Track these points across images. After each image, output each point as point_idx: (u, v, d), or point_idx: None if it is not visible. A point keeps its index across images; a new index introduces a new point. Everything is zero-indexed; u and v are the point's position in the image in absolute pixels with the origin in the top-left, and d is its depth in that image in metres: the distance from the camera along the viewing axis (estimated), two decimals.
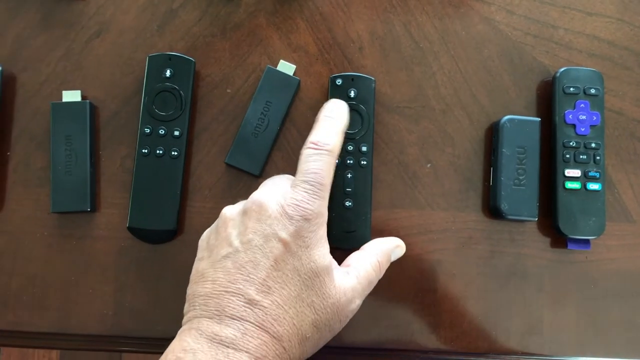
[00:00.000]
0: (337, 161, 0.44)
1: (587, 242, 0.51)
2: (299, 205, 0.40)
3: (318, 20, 0.54)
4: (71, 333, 0.50)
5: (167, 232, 0.50)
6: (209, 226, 0.51)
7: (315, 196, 0.41)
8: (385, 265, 0.46)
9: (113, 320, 0.50)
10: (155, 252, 0.51)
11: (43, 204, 0.51)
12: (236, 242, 0.40)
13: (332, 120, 0.45)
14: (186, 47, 0.53)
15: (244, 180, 0.52)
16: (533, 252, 0.52)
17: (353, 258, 0.45)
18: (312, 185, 0.41)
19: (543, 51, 0.54)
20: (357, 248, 0.49)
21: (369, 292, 0.44)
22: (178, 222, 0.51)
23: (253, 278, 0.39)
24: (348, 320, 0.43)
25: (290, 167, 0.52)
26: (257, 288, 0.38)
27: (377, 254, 0.45)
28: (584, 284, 0.51)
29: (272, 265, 0.39)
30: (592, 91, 0.51)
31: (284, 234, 0.39)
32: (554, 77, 0.52)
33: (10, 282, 0.51)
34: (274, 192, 0.42)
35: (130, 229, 0.50)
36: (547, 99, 0.53)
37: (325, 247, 0.42)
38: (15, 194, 0.51)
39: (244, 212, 0.42)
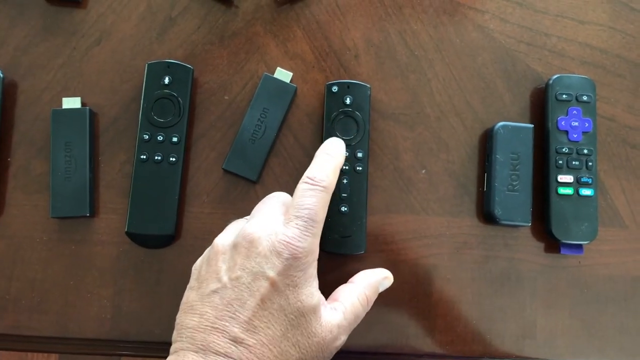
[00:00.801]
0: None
1: (580, 247, 0.51)
2: (290, 243, 0.40)
3: (314, 29, 0.55)
4: (70, 337, 0.51)
5: (165, 237, 0.51)
6: (206, 231, 0.52)
7: (307, 233, 0.41)
8: (373, 298, 0.46)
9: (111, 324, 0.51)
10: (153, 257, 0.52)
11: (43, 209, 0.52)
12: (225, 278, 0.40)
13: (330, 157, 0.45)
14: (185, 54, 0.54)
15: (241, 186, 0.53)
16: (527, 257, 0.52)
17: (341, 292, 0.45)
18: (304, 221, 0.41)
19: (536, 59, 0.55)
20: (352, 253, 0.50)
21: (355, 326, 0.44)
22: (176, 228, 0.51)
23: (239, 316, 0.39)
24: (332, 356, 0.43)
25: (287, 173, 0.53)
26: (242, 327, 0.39)
27: (365, 287, 0.45)
28: (577, 289, 0.52)
29: (258, 304, 0.39)
30: (585, 98, 0.52)
31: (271, 273, 0.39)
32: (547, 84, 0.53)
33: (10, 286, 0.51)
34: (266, 225, 0.42)
35: (128, 234, 0.51)
36: (540, 105, 0.54)
37: (314, 284, 0.42)
38: (15, 199, 0.52)
39: (234, 247, 0.42)
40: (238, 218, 0.50)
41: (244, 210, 0.52)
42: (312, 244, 0.41)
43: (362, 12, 0.55)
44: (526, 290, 0.52)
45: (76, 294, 0.51)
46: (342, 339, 0.43)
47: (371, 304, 0.46)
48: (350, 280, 0.47)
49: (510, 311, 0.52)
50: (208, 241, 0.46)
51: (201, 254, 0.45)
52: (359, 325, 0.50)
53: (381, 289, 0.47)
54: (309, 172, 0.43)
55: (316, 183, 0.42)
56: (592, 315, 0.52)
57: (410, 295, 0.52)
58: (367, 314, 0.50)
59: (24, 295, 0.51)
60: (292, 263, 0.40)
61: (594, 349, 0.51)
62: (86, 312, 0.51)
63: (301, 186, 0.43)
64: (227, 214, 0.52)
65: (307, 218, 0.41)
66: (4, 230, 0.52)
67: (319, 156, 0.46)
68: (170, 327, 0.50)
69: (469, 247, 0.52)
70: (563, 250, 0.51)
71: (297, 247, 0.40)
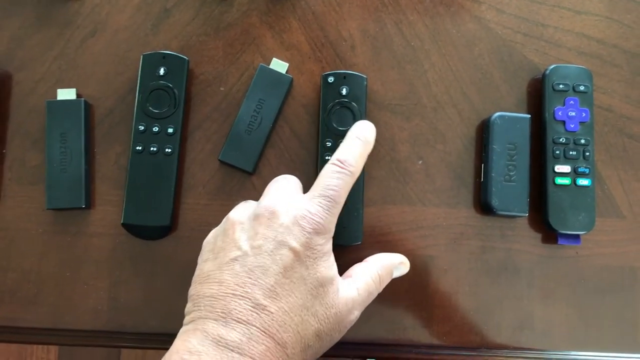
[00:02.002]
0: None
1: (577, 237, 0.51)
2: (312, 218, 0.41)
3: (310, 19, 0.54)
4: (66, 329, 0.51)
5: (161, 228, 0.51)
6: (203, 222, 0.52)
7: (328, 212, 0.41)
8: (387, 280, 0.46)
9: (107, 315, 0.51)
10: (150, 248, 0.51)
11: (38, 200, 0.52)
12: (245, 246, 0.40)
13: (361, 142, 0.45)
14: (180, 45, 0.54)
15: (237, 177, 0.52)
16: (524, 248, 0.52)
17: (355, 269, 0.46)
18: (328, 201, 0.42)
19: (533, 49, 0.55)
20: (348, 244, 0.50)
21: (368, 303, 0.45)
22: (172, 219, 0.51)
23: (261, 283, 0.39)
24: (346, 330, 0.43)
25: (283, 164, 0.52)
26: (264, 293, 0.38)
27: (379, 267, 0.46)
28: (575, 279, 0.52)
29: (280, 272, 0.39)
30: (582, 88, 0.52)
31: (294, 243, 0.40)
32: (544, 75, 0.52)
33: (5, 278, 0.51)
34: (285, 200, 0.42)
35: (124, 225, 0.51)
36: (537, 96, 0.53)
37: (331, 259, 0.42)
38: (10, 191, 0.52)
39: (255, 217, 0.42)
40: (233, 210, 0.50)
41: (240, 201, 0.51)
42: (331, 223, 0.42)
43: (358, 3, 0.55)
44: (523, 280, 0.52)
45: (72, 285, 0.51)
46: (356, 313, 0.43)
47: (384, 284, 0.46)
48: (366, 259, 0.47)
49: (507, 302, 0.51)
50: (204, 232, 0.46)
51: (198, 245, 0.45)
52: None
53: (397, 274, 0.47)
54: (340, 154, 0.44)
55: (345, 167, 0.43)
56: (589, 306, 0.52)
57: (407, 286, 0.51)
58: None
59: (19, 287, 0.51)
60: (313, 237, 0.40)
61: (592, 339, 0.51)
62: (82, 304, 0.51)
63: (329, 167, 0.43)
64: (223, 205, 0.52)
65: (331, 198, 0.42)
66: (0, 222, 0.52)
67: (351, 139, 0.46)
68: (167, 318, 0.50)
69: (466, 237, 0.52)
70: (560, 241, 0.51)
71: (318, 222, 0.41)
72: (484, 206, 0.52)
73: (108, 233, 0.52)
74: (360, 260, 0.51)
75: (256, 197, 0.46)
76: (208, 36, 0.54)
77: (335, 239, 0.50)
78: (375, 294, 0.45)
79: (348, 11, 0.55)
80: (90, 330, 0.51)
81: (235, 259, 0.40)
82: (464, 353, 0.51)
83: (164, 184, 0.51)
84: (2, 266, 0.51)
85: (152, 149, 0.51)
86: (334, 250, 0.51)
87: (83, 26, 0.54)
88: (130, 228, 0.51)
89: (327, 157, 0.50)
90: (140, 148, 0.51)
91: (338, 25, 0.54)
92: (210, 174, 0.52)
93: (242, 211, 0.44)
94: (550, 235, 0.52)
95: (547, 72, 0.52)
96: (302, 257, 0.40)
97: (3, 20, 0.53)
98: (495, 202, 0.50)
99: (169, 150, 0.51)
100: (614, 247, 0.52)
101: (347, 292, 0.43)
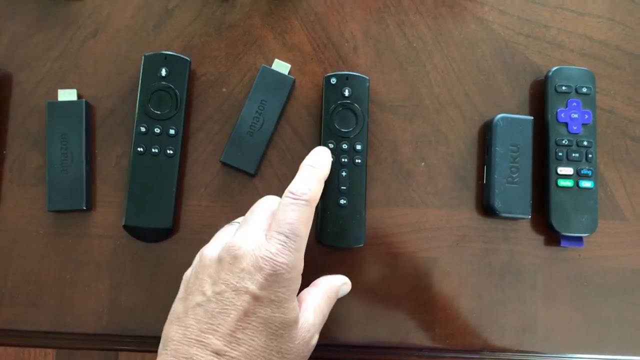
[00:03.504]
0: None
1: (580, 239, 0.51)
2: (273, 259, 0.40)
3: (312, 20, 0.54)
4: (66, 332, 0.50)
5: (163, 230, 0.51)
6: (205, 224, 0.52)
7: (289, 249, 0.40)
8: (333, 301, 0.46)
9: (109, 318, 0.50)
10: (151, 251, 0.51)
11: (39, 202, 0.51)
12: (209, 292, 0.40)
13: (312, 169, 0.45)
14: (181, 46, 0.53)
15: (239, 179, 0.52)
16: (526, 250, 0.52)
17: (307, 295, 0.45)
18: (286, 236, 0.41)
19: (535, 51, 0.55)
20: (351, 247, 0.50)
21: (322, 326, 0.45)
22: (174, 221, 0.51)
23: (222, 330, 0.39)
24: (309, 354, 0.43)
25: (285, 166, 0.52)
26: (225, 339, 0.39)
27: (328, 289, 0.46)
28: (577, 281, 0.52)
29: (241, 317, 0.39)
30: (584, 90, 0.52)
31: (254, 289, 0.39)
32: (546, 76, 0.52)
33: (6, 281, 0.51)
34: (251, 239, 0.41)
35: (126, 227, 0.50)
36: (540, 97, 0.53)
37: (296, 301, 0.42)
38: (11, 192, 0.52)
39: (219, 261, 0.41)
40: (235, 213, 0.50)
41: (242, 203, 0.51)
42: (295, 260, 0.41)
43: (360, 4, 0.54)
44: (526, 283, 0.52)
45: (73, 288, 0.51)
46: (316, 337, 0.44)
47: (331, 306, 0.46)
48: (312, 284, 0.46)
49: (510, 304, 0.51)
50: (206, 234, 0.46)
51: (199, 248, 0.45)
52: (358, 319, 0.50)
53: (340, 294, 0.47)
54: (291, 187, 0.43)
55: (298, 197, 0.42)
56: (592, 308, 0.52)
57: (409, 288, 0.51)
58: (367, 307, 0.51)
59: (20, 290, 0.51)
60: (274, 279, 0.39)
61: (594, 341, 0.51)
62: (83, 307, 0.51)
63: (283, 201, 0.42)
64: (225, 207, 0.52)
65: (289, 233, 0.41)
66: (0, 223, 0.51)
67: (302, 169, 0.45)
68: None
69: (469, 240, 0.52)
70: (563, 243, 0.51)
71: (279, 262, 0.40)
72: (486, 208, 0.52)
73: (109, 235, 0.51)
74: (363, 262, 0.51)
75: (258, 198, 0.45)
76: (210, 37, 0.54)
77: (338, 241, 0.50)
78: (326, 316, 0.45)
79: (350, 12, 0.54)
80: (92, 333, 0.50)
81: (200, 304, 0.40)
82: (467, 356, 0.51)
83: (165, 185, 0.51)
84: (2, 268, 0.51)
85: (153, 150, 0.50)
86: (337, 253, 0.51)
87: (84, 26, 0.53)
88: (132, 230, 0.50)
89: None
90: (141, 149, 0.50)
91: (340, 26, 0.54)
92: (212, 175, 0.52)
93: (214, 248, 0.43)
94: (552, 237, 0.52)
95: (550, 73, 0.52)
96: (263, 300, 0.39)
97: (4, 20, 0.53)
98: (498, 204, 0.50)
99: (171, 151, 0.51)
100: (617, 249, 0.52)
101: (307, 321, 0.42)
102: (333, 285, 0.47)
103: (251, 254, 0.40)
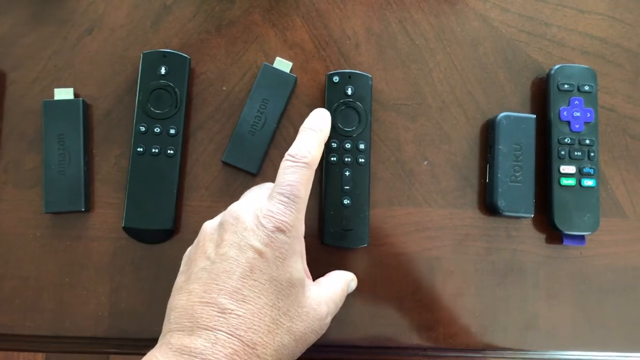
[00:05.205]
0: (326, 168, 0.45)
1: (582, 238, 0.51)
2: (273, 217, 0.40)
3: (314, 17, 0.53)
4: (66, 336, 0.49)
5: (164, 231, 0.50)
6: None
7: (290, 208, 0.41)
8: (345, 293, 0.46)
9: (109, 322, 0.50)
10: (152, 252, 0.50)
11: (36, 204, 0.50)
12: (212, 255, 0.40)
13: (312, 132, 0.45)
14: (180, 44, 0.52)
15: (240, 179, 0.51)
16: (529, 249, 0.52)
17: (322, 280, 0.45)
18: (287, 197, 0.41)
19: (537, 48, 0.54)
20: (355, 247, 0.50)
21: (335, 314, 0.44)
22: (175, 222, 0.50)
23: (227, 287, 0.38)
24: (322, 332, 0.43)
25: None
26: (231, 297, 0.38)
27: (340, 279, 0.46)
28: (579, 279, 0.52)
29: (247, 274, 0.39)
30: (586, 88, 0.52)
31: (258, 244, 0.39)
32: (549, 74, 0.52)
33: (3, 285, 0.49)
34: (252, 203, 0.42)
35: (125, 228, 0.49)
36: (542, 95, 0.53)
37: (300, 262, 0.42)
38: (7, 194, 0.50)
39: (221, 225, 0.42)
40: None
41: None
42: (296, 220, 0.41)
43: (362, 0, 0.54)
44: (529, 281, 0.52)
45: (72, 291, 0.50)
46: (329, 318, 0.43)
47: (343, 298, 0.46)
48: (326, 275, 0.46)
49: (513, 303, 0.51)
50: None
51: None
52: (362, 319, 0.50)
53: (349, 290, 0.47)
54: (291, 150, 0.43)
55: (298, 160, 0.42)
56: (594, 306, 0.52)
57: (413, 287, 0.51)
58: (370, 307, 0.51)
59: (18, 294, 0.49)
60: (277, 236, 0.40)
61: (597, 339, 0.52)
62: (83, 310, 0.50)
63: (283, 164, 0.43)
64: (227, 207, 0.51)
65: (289, 194, 0.41)
66: None
67: (302, 132, 0.45)
68: None
69: (472, 238, 0.52)
70: (565, 242, 0.51)
71: (281, 220, 0.40)
72: (489, 207, 0.52)
73: (108, 237, 0.50)
74: (366, 263, 0.51)
75: None
76: (209, 34, 0.53)
77: (342, 241, 0.50)
78: (340, 305, 0.45)
79: (352, 9, 0.54)
80: (91, 337, 0.49)
81: (203, 268, 0.40)
82: (470, 355, 0.51)
83: (166, 186, 0.50)
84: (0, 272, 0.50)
85: (153, 150, 0.50)
86: (341, 253, 0.50)
87: (79, 24, 0.52)
88: (132, 232, 0.50)
89: (332, 159, 0.50)
90: (141, 149, 0.50)
91: (342, 23, 0.53)
92: (213, 175, 0.51)
93: (214, 220, 0.44)
94: (555, 235, 0.52)
95: (552, 71, 0.52)
96: (268, 257, 0.39)
97: None
98: (501, 203, 0.50)
99: (172, 151, 0.50)
100: (617, 247, 0.53)
101: (318, 294, 0.42)
102: (345, 278, 0.47)
103: (253, 213, 0.41)
